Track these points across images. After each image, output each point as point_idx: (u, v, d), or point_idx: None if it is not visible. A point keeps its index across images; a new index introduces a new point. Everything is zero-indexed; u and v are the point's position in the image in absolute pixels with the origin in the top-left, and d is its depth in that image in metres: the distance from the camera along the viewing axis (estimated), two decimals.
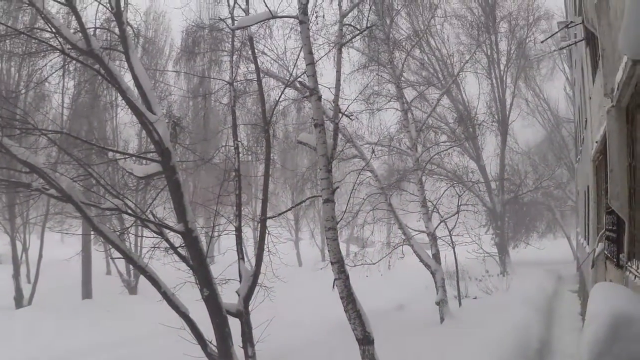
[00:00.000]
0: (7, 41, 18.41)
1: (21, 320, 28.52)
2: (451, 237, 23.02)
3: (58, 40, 12.73)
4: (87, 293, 37.92)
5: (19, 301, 34.26)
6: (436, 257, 22.11)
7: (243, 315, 14.34)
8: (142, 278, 34.07)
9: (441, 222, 22.90)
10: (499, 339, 14.32)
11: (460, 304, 23.62)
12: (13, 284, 34.60)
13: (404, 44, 24.64)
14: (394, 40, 23.67)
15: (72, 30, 13.08)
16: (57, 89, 29.65)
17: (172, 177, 13.04)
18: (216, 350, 13.44)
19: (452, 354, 14.24)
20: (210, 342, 13.55)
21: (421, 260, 22.06)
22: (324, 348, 18.81)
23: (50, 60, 15.73)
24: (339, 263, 12.70)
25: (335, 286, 12.79)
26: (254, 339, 14.51)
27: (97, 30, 15.35)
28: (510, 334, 14.88)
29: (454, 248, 23.23)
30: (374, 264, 22.46)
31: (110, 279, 44.04)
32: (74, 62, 14.68)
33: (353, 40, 19.33)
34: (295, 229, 62.70)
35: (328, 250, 13.21)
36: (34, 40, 14.79)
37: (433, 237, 22.22)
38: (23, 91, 26.30)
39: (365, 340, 12.48)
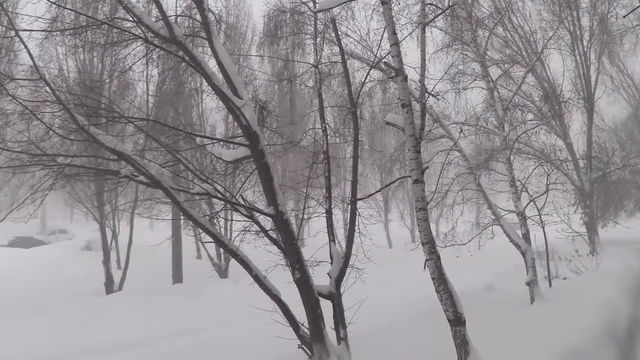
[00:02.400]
0: (88, 32, 18.63)
1: (112, 305, 29.07)
2: (540, 217, 22.68)
3: (140, 29, 12.78)
4: (177, 277, 38.62)
5: (109, 287, 35.02)
6: (526, 237, 21.76)
7: (335, 297, 14.29)
8: (232, 262, 34.69)
9: (530, 201, 22.55)
10: (589, 319, 14.05)
11: (550, 284, 23.23)
12: (103, 270, 35.21)
13: (486, 22, 24.28)
14: (477, 18, 23.35)
15: (153, 19, 13.10)
16: (141, 77, 30.07)
17: (261, 161, 12.99)
18: (308, 333, 13.38)
19: (542, 334, 14.00)
20: (302, 325, 13.49)
21: (511, 240, 21.76)
22: (415, 329, 18.66)
23: (133, 49, 15.88)
24: (430, 244, 12.52)
25: (426, 267, 12.65)
26: (345, 321, 14.48)
27: (179, 17, 15.46)
28: (600, 313, 14.60)
29: (543, 228, 22.90)
30: (464, 244, 22.32)
31: (201, 263, 44.78)
32: (157, 50, 14.80)
33: (435, 19, 19.14)
34: (384, 211, 62.71)
35: (419, 231, 13.05)
36: (115, 30, 14.93)
37: (522, 217, 21.86)
38: (107, 80, 26.65)
39: (457, 322, 12.28)
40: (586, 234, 35.90)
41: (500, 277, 28.73)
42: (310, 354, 13.45)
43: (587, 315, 14.41)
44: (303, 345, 13.52)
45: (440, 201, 24.23)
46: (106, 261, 35.94)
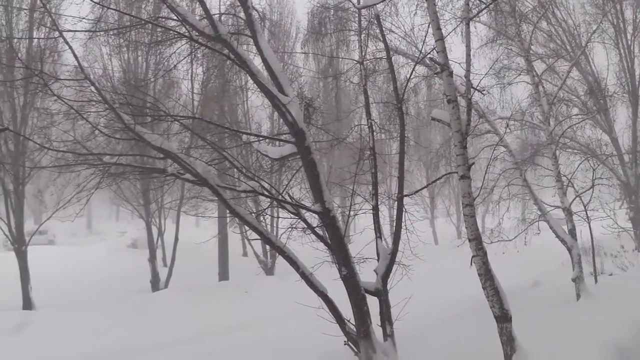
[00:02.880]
0: (132, 32, 18.77)
1: (158, 302, 29.29)
2: (586, 212, 22.45)
3: (185, 28, 12.83)
4: (224, 275, 38.78)
5: (155, 284, 35.38)
6: (572, 232, 21.55)
7: (381, 293, 14.26)
8: (278, 259, 34.80)
9: (576, 196, 22.30)
10: (635, 315, 13.90)
11: (596, 280, 22.99)
12: (149, 268, 35.49)
13: (530, 16, 24.10)
14: (520, 12, 23.18)
15: (197, 17, 13.16)
16: (186, 76, 30.21)
17: (307, 158, 13.01)
18: (354, 329, 13.39)
19: (588, 331, 13.85)
20: (349, 321, 13.50)
21: (557, 236, 21.58)
22: (461, 326, 18.59)
23: (178, 48, 15.93)
24: (476, 240, 12.47)
25: (473, 263, 12.60)
26: (392, 317, 14.44)
27: (223, 15, 15.51)
28: None
29: (589, 223, 22.66)
30: (510, 240, 22.16)
31: (247, 260, 45.03)
32: (201, 48, 14.86)
33: (479, 14, 19.05)
34: (431, 207, 62.57)
35: (465, 227, 12.96)
36: (159, 29, 15.01)
37: (568, 212, 21.67)
38: (152, 79, 26.83)
39: (503, 318, 12.22)
40: (632, 229, 35.40)
41: (546, 273, 28.58)
42: (356, 350, 13.47)
43: (633, 312, 14.26)
44: (349, 342, 13.56)
45: (486, 197, 24.04)
46: (152, 259, 36.27)
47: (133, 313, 26.39)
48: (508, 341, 12.18)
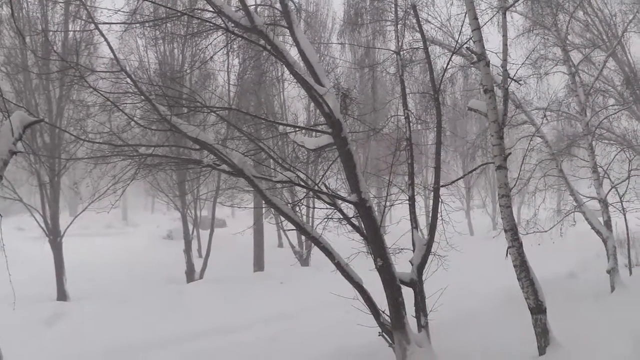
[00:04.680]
0: (168, 23, 18.84)
1: (192, 292, 29.47)
2: (622, 204, 22.33)
3: (221, 19, 12.88)
4: (259, 266, 38.96)
5: (190, 275, 35.48)
6: (607, 224, 21.49)
7: (416, 284, 14.26)
8: (313, 250, 34.81)
9: (612, 187, 22.18)
10: None
11: (630, 272, 22.94)
12: (184, 259, 35.65)
13: (566, 5, 23.96)
14: (557, 2, 23.03)
15: (233, 8, 13.19)
16: (222, 67, 30.28)
17: (344, 148, 13.02)
18: (389, 320, 13.42)
19: (623, 323, 13.82)
20: (384, 312, 13.55)
21: (593, 228, 21.53)
22: (495, 317, 18.59)
23: (214, 39, 15.98)
24: (512, 230, 12.52)
25: (508, 254, 12.61)
26: (427, 308, 14.43)
27: (259, 7, 15.55)
28: None
29: (625, 215, 22.53)
30: (545, 231, 22.07)
31: (282, 251, 45.17)
32: (237, 39, 14.89)
33: (516, 4, 18.98)
34: (466, 198, 62.40)
35: (501, 218, 13.01)
36: (195, 21, 15.07)
37: (604, 204, 21.59)
38: (188, 71, 26.90)
39: (538, 309, 12.27)
40: None
41: (581, 264, 28.48)
42: (390, 341, 13.50)
43: None
44: (383, 333, 13.59)
45: (522, 188, 23.90)
46: (187, 250, 36.40)
47: (167, 303, 26.56)
48: (542, 333, 12.25)
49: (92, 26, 14.88)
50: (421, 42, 16.46)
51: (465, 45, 15.25)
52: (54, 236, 30.30)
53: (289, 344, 19.35)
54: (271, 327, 21.87)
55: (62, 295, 29.91)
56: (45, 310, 24.82)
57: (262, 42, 13.18)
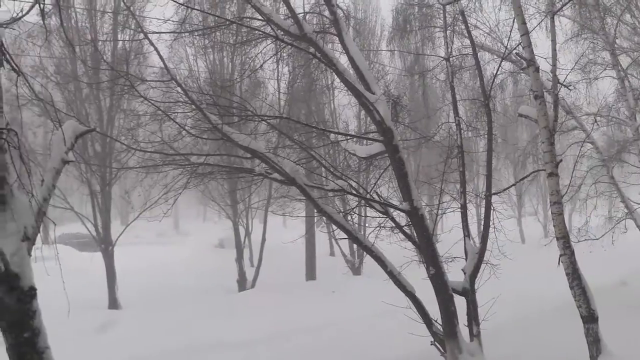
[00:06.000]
0: (217, 32, 18.90)
1: (244, 301, 29.63)
2: None
3: (270, 27, 12.90)
4: (311, 274, 38.91)
5: (241, 284, 35.70)
6: None
7: (469, 293, 14.15)
8: (365, 258, 34.77)
9: None
10: None
11: None
12: (236, 268, 35.78)
13: (614, 9, 23.75)
14: (604, 5, 22.86)
15: (281, 17, 13.21)
16: (272, 76, 30.44)
17: (395, 156, 12.97)
18: (441, 329, 13.36)
19: None
20: (436, 321, 13.49)
21: None
22: (547, 326, 18.47)
23: (264, 48, 16.02)
24: (564, 238, 12.39)
25: (560, 262, 12.50)
26: (479, 317, 14.34)
27: (307, 15, 15.56)
28: None
29: None
30: (597, 239, 21.85)
31: (334, 260, 45.13)
32: (287, 47, 14.91)
33: (563, 8, 18.85)
34: (518, 205, 61.97)
35: (553, 226, 12.88)
36: (244, 29, 15.11)
37: None
38: (238, 80, 27.00)
39: (590, 318, 12.14)
40: None
41: (633, 272, 28.12)
42: (442, 350, 13.45)
43: None
44: (436, 342, 13.54)
45: (573, 195, 23.71)
46: (239, 258, 36.53)
47: (218, 312, 26.70)
48: (594, 342, 12.14)
49: (142, 35, 15.02)
50: (470, 48, 16.39)
51: (514, 51, 15.20)
52: (106, 245, 30.59)
53: (341, 352, 19.35)
54: (324, 335, 21.84)
55: (113, 303, 30.24)
56: (97, 319, 25.04)
57: (311, 49, 13.19)
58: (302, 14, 14.40)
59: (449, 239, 16.05)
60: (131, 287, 31.84)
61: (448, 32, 16.82)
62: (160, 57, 12.92)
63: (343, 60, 13.80)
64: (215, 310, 26.86)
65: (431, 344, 13.65)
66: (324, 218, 14.41)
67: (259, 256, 37.81)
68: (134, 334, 22.76)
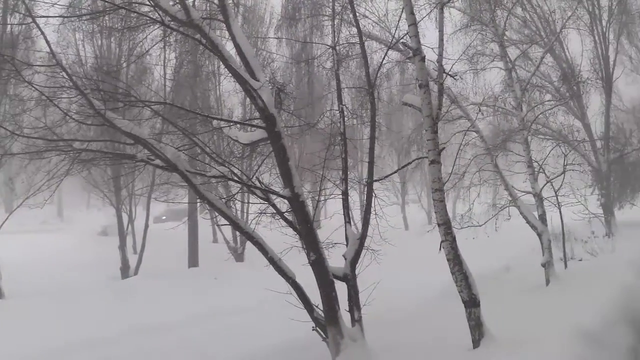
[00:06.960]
0: (105, 17, 18.65)
1: (127, 288, 29.28)
2: (557, 198, 22.61)
3: (158, 13, 12.77)
4: (193, 261, 38.91)
5: (124, 271, 35.48)
6: (542, 218, 21.82)
7: (350, 278, 14.29)
8: (248, 245, 34.78)
9: (547, 182, 22.45)
10: (605, 301, 14.04)
11: (565, 265, 23.23)
12: (119, 255, 35.47)
13: (505, 1, 24.20)
14: None
15: (170, 2, 13.12)
16: (159, 62, 30.14)
17: (278, 143, 13.04)
18: (322, 315, 13.48)
19: (557, 316, 14.02)
20: (317, 307, 13.59)
21: (527, 222, 21.82)
22: (429, 311, 18.82)
23: (150, 33, 15.91)
24: (446, 225, 12.60)
25: (442, 248, 12.71)
26: (360, 303, 14.49)
27: (196, 1, 15.47)
28: (615, 296, 14.57)
29: (560, 209, 22.80)
30: (480, 225, 22.33)
31: (217, 246, 45.11)
32: (174, 33, 14.82)
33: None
34: (401, 192, 62.81)
35: (435, 212, 13.12)
36: (132, 15, 14.96)
37: (539, 198, 21.90)
38: (124, 65, 26.69)
39: (472, 303, 12.36)
40: (602, 215, 35.62)
41: (516, 258, 28.73)
42: (324, 336, 13.55)
43: (602, 298, 14.38)
44: (317, 328, 13.65)
45: (457, 183, 24.06)
46: (122, 246, 36.35)
47: (104, 300, 26.36)
48: (476, 326, 12.34)
49: (29, 19, 14.72)
50: (358, 37, 16.51)
51: (401, 41, 15.30)
52: None
53: (223, 339, 19.22)
54: (206, 323, 21.70)
55: None
56: None
57: (198, 36, 13.12)
58: (191, 0, 14.32)
59: (331, 225, 16.20)
60: (15, 275, 31.09)
61: (336, 20, 16.93)
62: (47, 41, 12.77)
63: (230, 47, 13.82)
64: (100, 299, 26.51)
65: (313, 330, 13.73)
66: (206, 205, 14.35)
67: (141, 243, 37.92)
68: (17, 325, 22.09)
